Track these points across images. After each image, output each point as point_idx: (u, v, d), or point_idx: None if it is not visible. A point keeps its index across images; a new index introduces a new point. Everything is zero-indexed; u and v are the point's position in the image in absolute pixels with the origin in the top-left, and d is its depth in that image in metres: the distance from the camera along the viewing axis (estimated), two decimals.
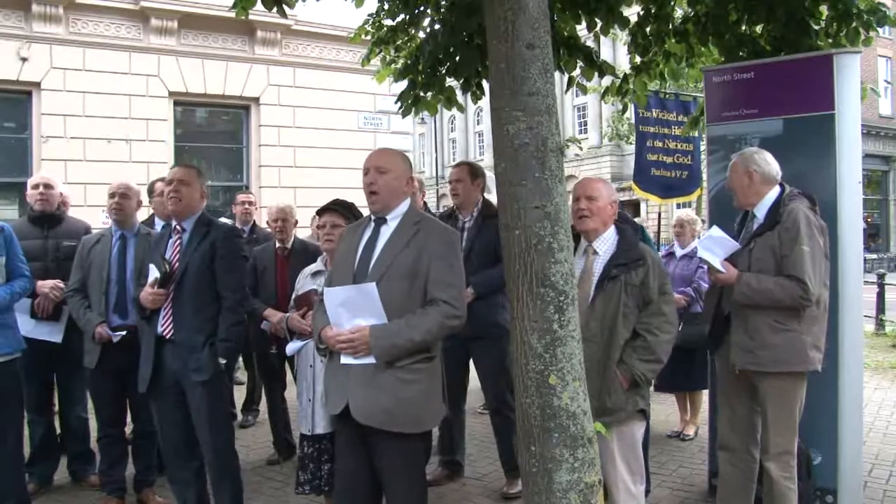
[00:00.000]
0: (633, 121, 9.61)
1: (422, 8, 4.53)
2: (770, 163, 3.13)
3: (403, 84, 4.82)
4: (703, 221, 6.56)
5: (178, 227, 3.42)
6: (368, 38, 5.15)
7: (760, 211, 3.12)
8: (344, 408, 2.58)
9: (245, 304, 3.54)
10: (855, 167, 3.51)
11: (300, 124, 10.66)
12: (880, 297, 10.63)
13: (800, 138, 3.60)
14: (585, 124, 37.32)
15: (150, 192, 4.98)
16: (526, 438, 2.25)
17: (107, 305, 3.82)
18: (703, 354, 4.83)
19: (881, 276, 10.99)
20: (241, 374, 6.20)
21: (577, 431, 2.21)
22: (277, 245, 4.66)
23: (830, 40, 4.20)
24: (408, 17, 4.71)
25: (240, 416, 5.69)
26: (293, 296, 3.71)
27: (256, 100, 10.46)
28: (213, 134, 10.86)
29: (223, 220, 4.30)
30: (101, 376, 3.83)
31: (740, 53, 4.38)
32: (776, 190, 3.12)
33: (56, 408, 4.48)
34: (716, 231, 3.16)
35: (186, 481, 3.43)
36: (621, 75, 5.05)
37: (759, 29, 4.43)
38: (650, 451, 4.22)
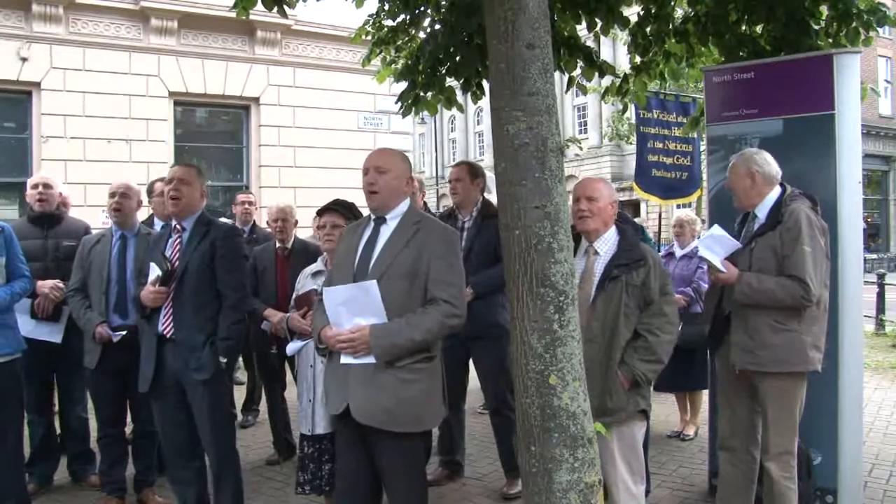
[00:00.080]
0: (633, 121, 9.62)
1: (422, 8, 4.53)
2: (770, 163, 3.13)
3: (403, 84, 4.82)
4: (703, 222, 6.57)
5: (178, 226, 3.42)
6: (369, 38, 5.15)
7: (762, 211, 3.12)
8: (344, 408, 2.59)
9: (246, 302, 3.54)
10: (855, 167, 3.51)
11: (300, 124, 10.66)
12: (880, 297, 10.63)
13: (800, 138, 3.60)
14: (585, 124, 37.32)
15: (150, 192, 4.98)
16: (526, 438, 2.25)
17: (107, 305, 3.82)
18: (703, 354, 4.83)
19: (881, 276, 10.99)
20: (241, 374, 6.20)
21: (577, 431, 2.21)
22: (277, 245, 4.67)
23: (830, 40, 4.20)
24: (408, 17, 4.71)
25: (240, 416, 5.68)
26: (293, 296, 3.71)
27: (256, 100, 10.46)
28: (213, 134, 10.86)
29: (223, 220, 4.30)
30: (101, 376, 3.83)
31: (740, 53, 4.38)
32: (777, 190, 3.12)
33: (56, 408, 4.48)
34: (717, 230, 3.16)
35: (187, 481, 3.43)
36: (621, 75, 5.05)
37: (759, 29, 4.43)
38: (650, 451, 4.22)
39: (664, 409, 5.86)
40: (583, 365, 2.28)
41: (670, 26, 4.68)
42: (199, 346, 3.26)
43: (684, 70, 5.35)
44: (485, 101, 3.14)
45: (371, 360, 2.52)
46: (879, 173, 29.49)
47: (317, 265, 3.63)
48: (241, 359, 5.74)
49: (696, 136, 7.11)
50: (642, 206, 27.35)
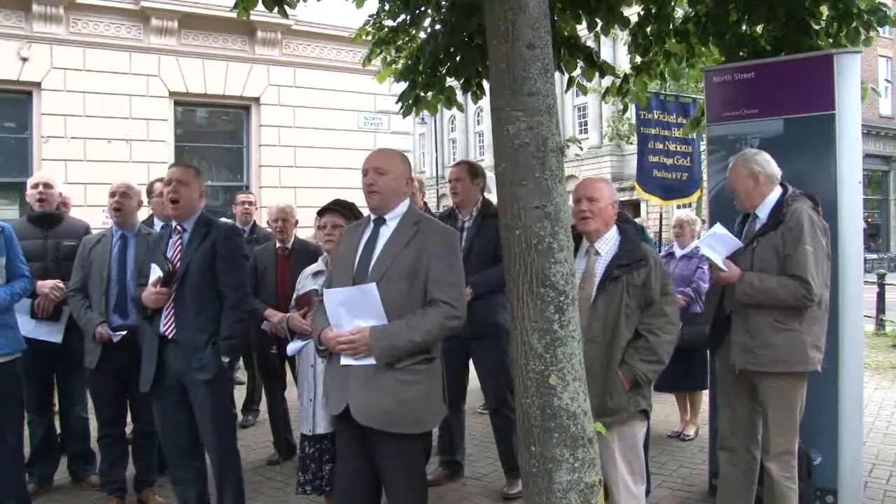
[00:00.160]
0: (633, 121, 9.62)
1: (422, 8, 4.52)
2: (771, 162, 3.13)
3: (404, 84, 4.82)
4: (703, 222, 6.57)
5: (178, 227, 3.42)
6: (369, 38, 5.15)
7: (763, 211, 3.12)
8: (344, 408, 2.58)
9: (246, 302, 3.54)
10: (855, 167, 3.51)
11: (300, 124, 10.66)
12: (880, 297, 10.63)
13: (800, 138, 3.60)
14: (586, 124, 37.31)
15: (150, 192, 4.98)
16: (526, 438, 2.25)
17: (107, 305, 3.82)
18: (702, 354, 4.83)
19: (881, 276, 10.99)
20: (242, 374, 6.20)
21: (578, 431, 2.21)
22: (278, 245, 4.66)
23: (831, 40, 4.20)
24: (408, 17, 4.71)
25: (240, 417, 5.68)
26: (294, 296, 3.71)
27: (257, 100, 10.46)
28: (213, 134, 10.86)
29: (223, 220, 4.30)
30: (101, 376, 3.83)
31: (741, 53, 4.38)
32: (778, 190, 3.12)
33: (56, 408, 4.48)
34: (719, 228, 3.15)
35: (188, 481, 3.43)
36: (622, 75, 5.05)
37: (759, 29, 4.42)
38: (650, 452, 4.22)
39: (664, 409, 5.86)
40: (583, 365, 2.28)
41: (670, 26, 4.68)
42: (200, 346, 3.26)
43: (684, 70, 5.34)
44: (485, 101, 3.14)
45: (371, 361, 2.52)
46: (880, 173, 29.49)
47: (317, 265, 3.63)
48: (241, 359, 5.75)
49: (695, 136, 7.12)
50: (642, 207, 27.35)
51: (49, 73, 9.08)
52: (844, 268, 3.43)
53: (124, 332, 3.75)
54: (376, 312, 2.52)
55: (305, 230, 5.42)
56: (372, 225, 2.74)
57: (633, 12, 4.72)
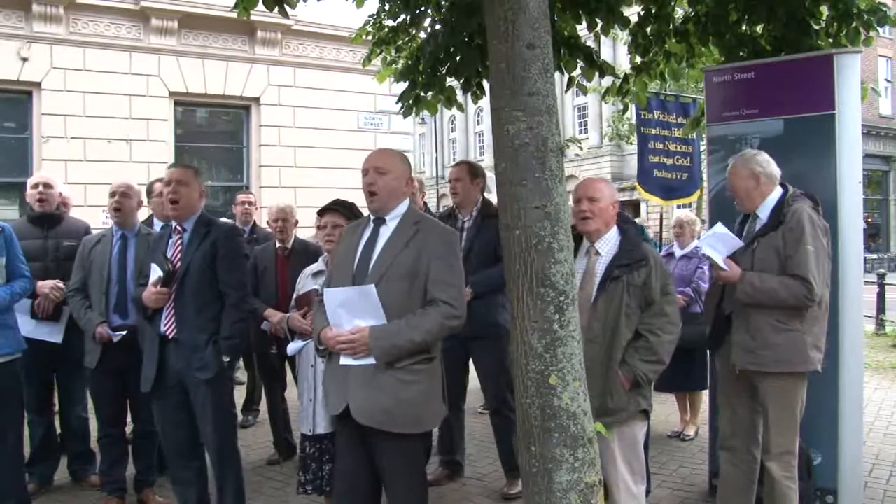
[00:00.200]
0: (633, 121, 9.63)
1: (422, 8, 4.53)
2: (771, 162, 3.13)
3: (404, 84, 4.83)
4: (703, 222, 6.58)
5: (178, 227, 3.42)
6: (369, 38, 5.15)
7: (763, 211, 3.11)
8: (344, 408, 2.58)
9: (247, 301, 3.55)
10: (855, 167, 3.51)
11: (300, 124, 10.66)
12: (880, 297, 10.63)
13: (800, 138, 3.60)
14: (586, 124, 37.31)
15: (149, 192, 4.98)
16: (526, 438, 2.25)
17: (107, 305, 3.82)
18: (702, 354, 4.84)
19: (881, 276, 10.99)
20: (242, 375, 6.20)
21: (578, 431, 2.21)
22: (278, 245, 4.66)
23: (831, 40, 4.20)
24: (408, 17, 4.71)
25: (240, 417, 5.68)
26: (294, 296, 3.71)
27: (257, 100, 10.45)
28: (213, 134, 10.86)
29: (223, 220, 4.30)
30: (101, 376, 3.83)
31: (741, 53, 4.38)
32: (779, 190, 3.12)
33: (56, 408, 4.48)
34: (720, 227, 3.15)
35: (188, 481, 3.43)
36: (622, 75, 5.05)
37: (759, 29, 4.42)
38: (650, 452, 4.22)
39: (664, 409, 5.86)
40: (583, 365, 2.28)
41: (671, 26, 4.68)
42: (201, 345, 3.26)
43: (685, 70, 5.34)
44: (485, 101, 3.14)
45: (371, 361, 2.52)
46: (880, 173, 29.48)
47: (318, 265, 3.63)
48: (241, 359, 5.75)
49: (695, 136, 7.12)
50: (642, 207, 27.35)
51: (49, 73, 9.08)
52: (844, 268, 3.43)
53: (124, 332, 3.75)
54: (376, 313, 2.52)
55: (305, 230, 5.42)
56: (372, 225, 2.74)
57: (633, 12, 4.72)
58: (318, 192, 8.95)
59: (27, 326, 3.92)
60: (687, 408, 5.40)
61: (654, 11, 4.57)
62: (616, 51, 25.57)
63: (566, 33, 4.48)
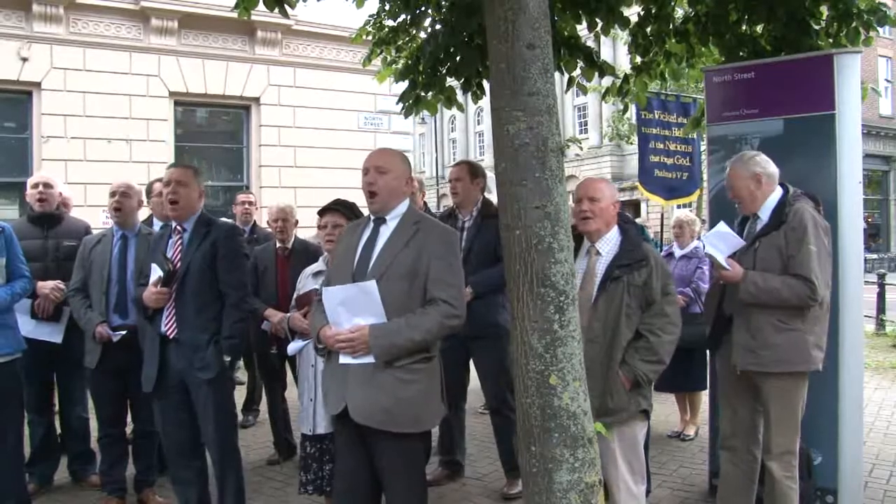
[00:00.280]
0: (633, 121, 9.63)
1: (422, 8, 4.53)
2: (769, 162, 3.13)
3: (404, 84, 4.83)
4: (703, 222, 6.58)
5: (178, 227, 3.42)
6: (369, 38, 5.15)
7: (764, 212, 3.11)
8: (343, 408, 2.58)
9: (247, 301, 3.55)
10: (855, 167, 3.51)
11: (300, 124, 10.66)
12: (881, 297, 10.63)
13: (800, 138, 3.60)
14: (586, 124, 37.30)
15: (149, 192, 4.97)
16: (526, 438, 2.25)
17: (107, 305, 3.82)
18: (702, 354, 4.83)
19: (881, 276, 10.99)
20: (242, 375, 6.20)
21: (578, 431, 2.20)
22: (278, 245, 4.67)
23: (831, 40, 4.20)
24: (408, 17, 4.71)
25: (240, 417, 5.68)
26: (294, 295, 3.71)
27: (257, 100, 10.45)
28: (213, 134, 10.85)
29: (223, 220, 4.30)
30: (101, 376, 3.83)
31: (741, 53, 4.38)
32: (779, 190, 3.12)
33: (56, 408, 4.48)
34: (722, 226, 3.14)
35: (189, 481, 3.43)
36: (622, 75, 5.05)
37: (759, 29, 4.42)
38: (651, 452, 4.22)
39: (664, 409, 5.86)
40: (583, 365, 2.28)
41: (671, 26, 4.68)
42: (202, 345, 3.27)
43: (685, 70, 5.35)
44: (485, 101, 3.13)
45: (370, 359, 2.52)
46: (880, 173, 29.47)
47: (318, 265, 3.63)
48: (241, 359, 5.74)
49: (695, 136, 7.13)
50: (643, 207, 27.34)
51: (49, 73, 9.08)
52: (844, 268, 3.43)
53: (124, 332, 3.75)
54: (376, 311, 2.52)
55: (305, 230, 5.42)
56: (372, 224, 2.74)
57: (633, 12, 4.72)
58: (318, 192, 8.95)
59: (27, 326, 3.92)
60: (687, 408, 5.40)
61: (654, 11, 4.57)
62: (616, 51, 25.56)
63: (566, 33, 4.48)
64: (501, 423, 4.08)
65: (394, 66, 5.23)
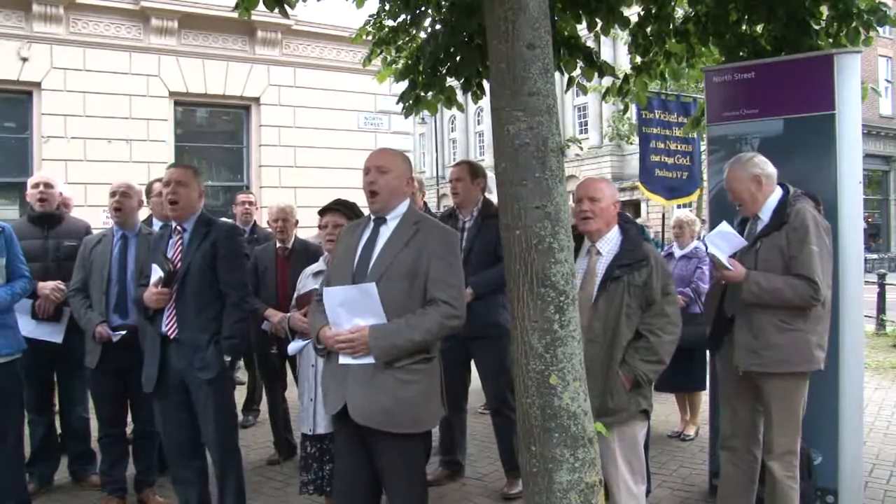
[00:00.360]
0: (633, 121, 9.64)
1: (422, 8, 4.53)
2: (767, 163, 3.13)
3: (404, 84, 4.83)
4: (703, 222, 6.58)
5: (178, 227, 3.42)
6: (369, 38, 5.15)
7: (765, 212, 3.10)
8: (342, 407, 2.58)
9: (247, 301, 3.55)
10: (855, 167, 3.50)
11: (301, 124, 10.66)
12: (881, 297, 10.62)
13: (800, 138, 3.60)
14: (586, 124, 37.31)
15: (148, 192, 4.98)
16: (526, 438, 2.25)
17: (107, 305, 3.82)
18: (702, 354, 4.84)
19: (882, 276, 10.98)
20: (242, 375, 6.20)
21: (578, 431, 2.20)
22: (278, 245, 4.67)
23: (831, 40, 4.20)
24: (408, 17, 4.71)
25: (240, 417, 5.68)
26: (295, 295, 3.71)
27: (257, 100, 10.46)
28: (213, 134, 10.86)
29: (223, 219, 4.30)
30: (101, 376, 3.83)
31: (741, 53, 4.38)
32: (779, 190, 3.11)
33: (57, 408, 4.48)
34: (725, 226, 3.13)
35: (189, 481, 3.43)
36: (622, 75, 5.05)
37: (759, 29, 4.42)
38: (651, 452, 4.22)
39: (664, 409, 5.86)
40: (583, 365, 2.28)
41: (671, 26, 4.68)
42: (202, 345, 3.27)
43: (685, 70, 5.35)
44: (485, 101, 3.13)
45: (370, 360, 2.52)
46: (880, 173, 29.47)
47: (318, 265, 3.63)
48: (241, 359, 5.74)
49: (695, 135, 7.13)
50: (643, 207, 27.35)
51: (49, 73, 9.08)
52: (845, 268, 3.43)
53: (124, 332, 3.75)
54: (376, 312, 2.52)
55: (306, 230, 5.42)
56: (372, 224, 2.74)
57: (633, 12, 4.72)
58: (318, 192, 8.95)
59: (28, 327, 3.92)
60: (687, 408, 5.40)
61: (654, 11, 4.57)
62: (616, 51, 25.57)
63: (566, 33, 4.49)
64: (502, 423, 4.08)
65: (394, 66, 5.23)
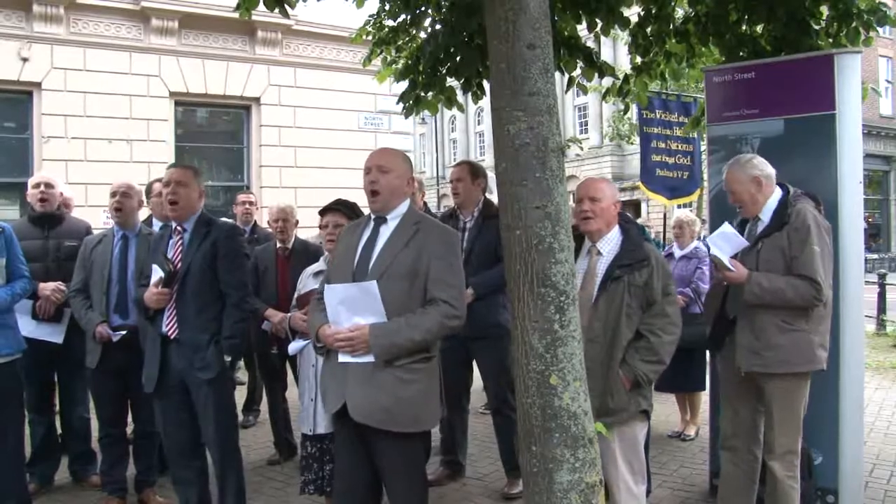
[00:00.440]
0: (634, 121, 9.64)
1: (422, 8, 4.53)
2: (766, 163, 3.13)
3: (404, 84, 4.83)
4: (703, 222, 6.57)
5: (178, 227, 3.42)
6: (369, 38, 5.15)
7: (765, 213, 3.10)
8: (341, 406, 2.58)
9: (248, 301, 3.55)
10: (856, 167, 3.50)
11: (301, 124, 10.66)
12: (881, 297, 10.62)
13: (801, 138, 3.60)
14: (586, 124, 37.31)
15: (148, 192, 4.97)
16: (527, 438, 2.25)
17: (108, 305, 3.83)
18: (702, 354, 4.84)
19: (882, 276, 10.98)
20: (242, 375, 6.20)
21: (578, 431, 2.20)
22: (278, 245, 4.67)
23: (831, 40, 4.20)
24: (408, 17, 4.72)
25: (241, 417, 5.68)
26: (295, 295, 3.71)
27: (257, 100, 10.45)
28: (213, 134, 10.86)
29: (223, 219, 4.30)
30: (101, 376, 3.83)
31: (741, 53, 4.38)
32: (778, 191, 3.11)
33: (57, 408, 4.48)
34: (727, 227, 3.13)
35: (189, 481, 3.43)
36: (622, 76, 5.05)
37: (759, 29, 4.42)
38: (651, 452, 4.22)
39: (665, 409, 5.86)
40: (583, 365, 2.27)
41: (671, 26, 4.68)
42: (203, 345, 3.27)
43: (685, 70, 5.35)
44: (485, 101, 3.13)
45: (370, 359, 2.52)
46: (880, 173, 29.47)
47: (319, 265, 3.64)
48: (241, 359, 5.74)
49: (695, 135, 7.13)
50: (643, 207, 27.35)
51: (49, 73, 9.08)
52: (845, 268, 3.43)
53: (124, 332, 3.75)
54: (376, 310, 2.52)
55: (306, 230, 5.42)
56: (372, 224, 2.74)
57: (633, 12, 4.72)
58: (318, 192, 8.95)
59: (28, 327, 3.92)
60: (687, 408, 5.40)
61: (654, 11, 4.57)
62: (616, 51, 25.57)
63: (566, 33, 4.49)
64: (502, 423, 4.08)
65: (394, 66, 5.23)
